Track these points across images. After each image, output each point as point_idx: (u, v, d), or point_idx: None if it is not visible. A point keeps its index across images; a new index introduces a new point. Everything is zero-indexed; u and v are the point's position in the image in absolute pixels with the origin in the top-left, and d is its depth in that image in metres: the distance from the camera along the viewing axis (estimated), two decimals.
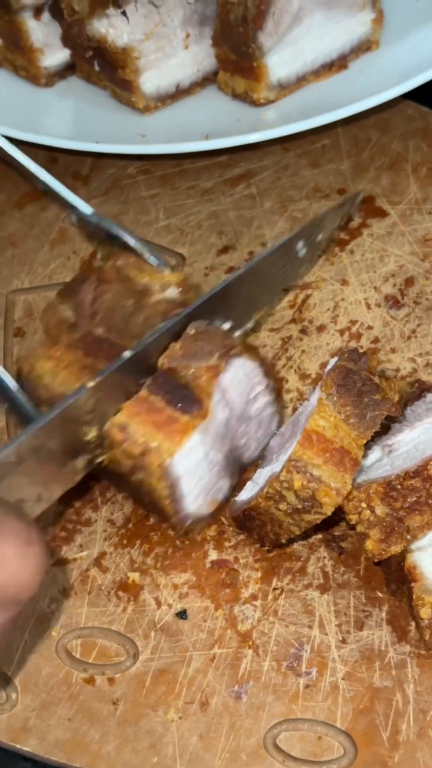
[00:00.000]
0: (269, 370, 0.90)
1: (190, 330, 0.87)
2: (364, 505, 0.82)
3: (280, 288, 1.03)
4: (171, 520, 0.88)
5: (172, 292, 0.90)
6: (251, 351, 0.89)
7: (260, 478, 0.88)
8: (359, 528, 0.82)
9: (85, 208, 1.00)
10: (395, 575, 0.85)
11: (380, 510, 0.82)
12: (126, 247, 0.98)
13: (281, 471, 0.81)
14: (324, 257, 1.09)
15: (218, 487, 0.90)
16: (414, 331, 1.02)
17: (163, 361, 0.85)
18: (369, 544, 0.82)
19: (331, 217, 1.04)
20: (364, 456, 0.85)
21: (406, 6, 1.21)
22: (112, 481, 0.95)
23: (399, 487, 0.81)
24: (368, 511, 0.82)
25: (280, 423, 0.94)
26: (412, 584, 0.81)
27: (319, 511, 0.82)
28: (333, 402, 0.82)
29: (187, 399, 0.84)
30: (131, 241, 0.97)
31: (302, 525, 0.84)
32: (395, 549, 0.82)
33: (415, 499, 0.81)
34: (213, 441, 0.86)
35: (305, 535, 0.90)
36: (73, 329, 0.90)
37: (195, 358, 0.85)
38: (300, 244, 1.00)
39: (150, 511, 0.93)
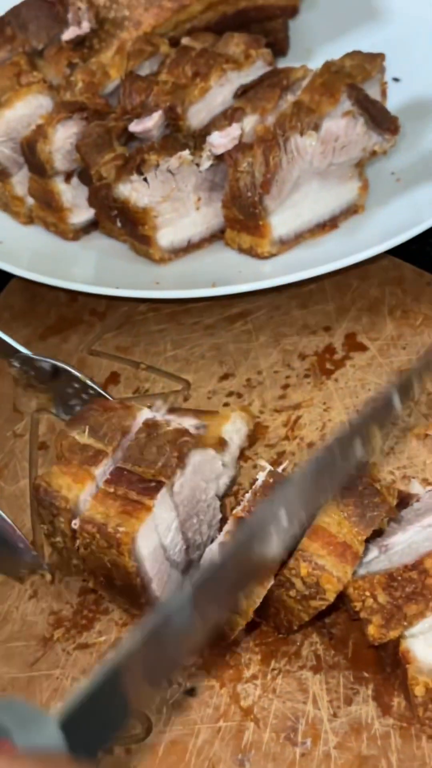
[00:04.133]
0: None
1: (152, 433, 1.04)
2: (367, 593, 0.94)
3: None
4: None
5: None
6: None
7: None
8: (363, 614, 0.94)
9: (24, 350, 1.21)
10: (390, 659, 0.96)
11: (382, 598, 0.94)
12: (71, 380, 1.18)
13: (290, 560, 0.94)
14: (313, 384, 1.24)
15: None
16: (392, 448, 1.16)
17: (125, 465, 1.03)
18: (371, 629, 0.94)
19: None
20: (363, 553, 0.98)
21: (386, 177, 1.39)
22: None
23: (399, 578, 0.94)
24: (371, 599, 0.94)
25: None
26: (407, 666, 0.92)
27: (323, 597, 0.94)
28: (337, 502, 0.97)
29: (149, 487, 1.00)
30: (77, 374, 1.18)
31: (309, 611, 0.96)
32: (393, 634, 0.94)
33: (411, 589, 0.94)
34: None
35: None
36: (85, 450, 1.05)
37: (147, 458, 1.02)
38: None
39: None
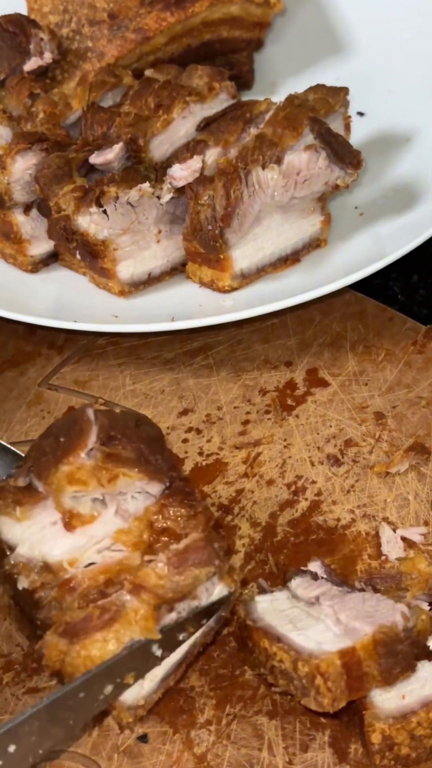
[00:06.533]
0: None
1: None
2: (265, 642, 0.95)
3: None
4: None
5: None
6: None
7: None
8: None
9: None
10: (347, 705, 0.94)
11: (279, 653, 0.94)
12: None
13: None
14: (273, 420, 1.22)
15: None
16: (353, 486, 1.15)
17: None
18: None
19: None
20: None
21: (349, 211, 1.39)
22: None
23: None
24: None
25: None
26: (364, 712, 0.90)
27: None
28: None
29: None
30: None
31: None
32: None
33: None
34: None
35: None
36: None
37: None
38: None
39: None
